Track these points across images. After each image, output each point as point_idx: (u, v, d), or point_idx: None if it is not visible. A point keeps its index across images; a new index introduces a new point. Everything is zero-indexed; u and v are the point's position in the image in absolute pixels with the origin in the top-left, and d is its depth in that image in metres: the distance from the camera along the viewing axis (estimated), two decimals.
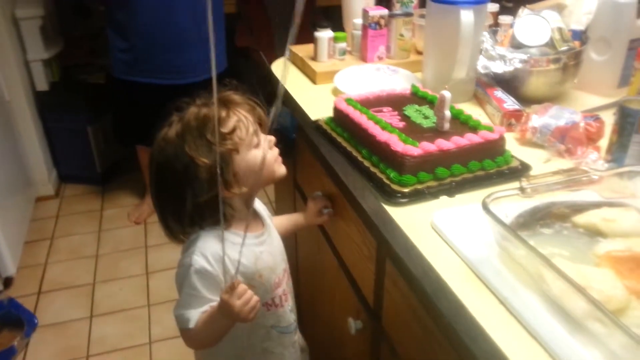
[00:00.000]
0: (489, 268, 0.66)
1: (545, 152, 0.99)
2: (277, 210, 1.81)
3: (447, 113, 0.92)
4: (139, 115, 2.27)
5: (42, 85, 2.54)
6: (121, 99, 2.25)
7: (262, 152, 0.91)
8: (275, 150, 0.97)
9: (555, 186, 0.73)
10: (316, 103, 1.25)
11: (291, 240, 1.53)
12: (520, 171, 0.91)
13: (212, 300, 0.88)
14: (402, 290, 0.80)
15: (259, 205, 1.05)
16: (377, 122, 0.95)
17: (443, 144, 0.87)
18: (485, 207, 0.66)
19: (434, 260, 0.71)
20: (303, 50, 1.51)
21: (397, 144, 0.87)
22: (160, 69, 2.12)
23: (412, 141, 0.87)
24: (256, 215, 1.02)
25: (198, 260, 0.88)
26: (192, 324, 0.87)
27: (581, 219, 0.71)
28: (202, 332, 0.88)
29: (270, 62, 1.63)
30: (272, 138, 0.95)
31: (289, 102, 1.34)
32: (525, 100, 1.13)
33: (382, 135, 0.91)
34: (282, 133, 1.47)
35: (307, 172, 1.30)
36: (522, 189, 0.71)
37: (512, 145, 1.01)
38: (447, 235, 0.74)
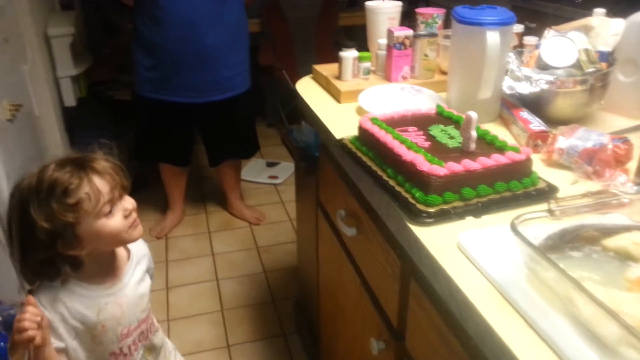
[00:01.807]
0: (517, 290, 0.65)
1: (573, 174, 0.98)
2: (298, 229, 1.82)
3: (474, 133, 0.92)
4: (160, 133, 2.32)
5: (70, 101, 2.60)
6: (144, 116, 2.30)
7: (113, 222, 0.94)
8: (130, 219, 0.97)
9: (584, 209, 0.72)
10: (340, 122, 1.26)
11: (312, 257, 1.53)
12: (547, 193, 0.90)
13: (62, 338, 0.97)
14: (428, 310, 0.79)
15: (134, 253, 1.09)
16: (402, 141, 0.96)
17: (469, 164, 0.87)
18: (514, 228, 0.66)
19: (460, 281, 0.70)
20: (327, 69, 1.53)
21: (423, 163, 0.87)
22: (184, 87, 2.16)
23: (438, 161, 0.87)
24: (112, 267, 1.04)
25: (54, 303, 0.96)
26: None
27: (611, 242, 0.70)
28: None
29: (293, 80, 1.66)
30: (129, 205, 0.97)
31: (313, 120, 1.35)
32: (551, 122, 1.13)
33: (407, 154, 0.91)
34: (306, 151, 1.49)
35: (330, 191, 1.31)
36: (550, 211, 0.70)
37: (539, 167, 1.01)
38: (473, 256, 0.73)
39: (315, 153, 1.40)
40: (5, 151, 1.90)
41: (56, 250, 0.91)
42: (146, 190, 2.80)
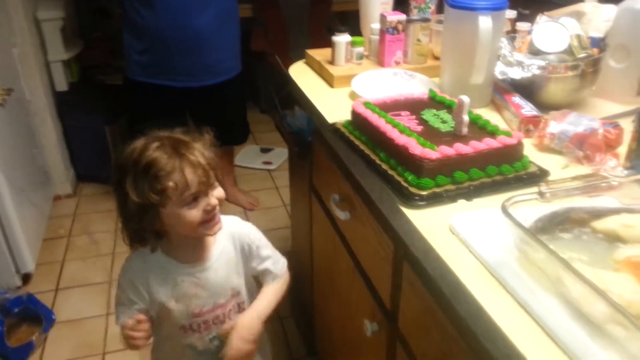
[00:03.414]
0: (508, 271, 0.67)
1: (563, 158, 0.99)
2: (292, 214, 1.82)
3: (466, 117, 0.93)
4: (152, 117, 2.30)
5: (62, 85, 2.59)
6: (136, 100, 2.28)
7: (192, 213, 0.96)
8: (210, 214, 0.99)
9: (574, 191, 0.73)
10: (333, 106, 1.26)
11: (306, 241, 1.54)
12: (538, 176, 0.92)
13: (134, 302, 1.04)
14: (420, 292, 0.80)
15: (231, 243, 1.10)
16: (395, 125, 0.96)
17: (461, 148, 0.88)
18: (504, 210, 0.67)
19: (452, 263, 0.71)
20: (320, 54, 1.52)
21: (416, 147, 0.88)
22: (175, 72, 2.14)
23: (431, 145, 0.88)
24: (197, 248, 1.07)
25: (126, 270, 1.06)
26: (118, 322, 1.05)
27: (600, 224, 0.71)
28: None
29: (285, 65, 1.65)
30: (213, 202, 0.98)
31: (306, 105, 1.36)
32: (543, 107, 1.13)
33: (400, 138, 0.92)
34: (299, 135, 1.49)
35: (323, 175, 1.31)
36: (541, 194, 0.71)
37: (530, 151, 1.02)
38: (465, 238, 0.74)
39: (309, 138, 1.40)
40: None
41: (143, 222, 0.97)
42: None
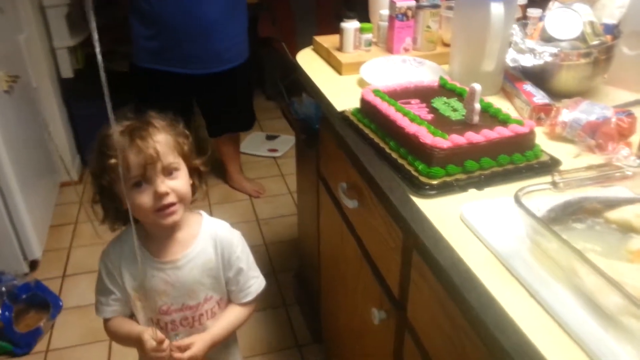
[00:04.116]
0: (520, 261, 0.66)
1: (575, 147, 0.98)
2: (299, 202, 1.82)
3: (477, 106, 0.92)
4: (161, 104, 2.29)
5: (67, 72, 2.58)
6: (142, 87, 2.27)
7: (142, 198, 0.94)
8: (159, 203, 0.95)
9: (587, 181, 0.72)
10: (342, 94, 1.25)
11: (313, 229, 1.54)
12: (550, 166, 0.90)
13: (111, 291, 1.04)
14: (429, 281, 0.80)
15: (208, 243, 1.05)
16: (405, 113, 0.95)
17: (472, 136, 0.87)
18: (517, 200, 0.66)
19: (463, 253, 0.71)
20: (328, 40, 1.51)
21: (426, 136, 0.87)
22: (183, 58, 2.13)
23: (442, 133, 0.87)
24: (175, 244, 1.03)
25: (104, 254, 1.06)
26: (104, 316, 1.06)
27: (614, 214, 0.70)
28: (112, 333, 1.08)
29: (293, 52, 1.64)
30: (161, 189, 0.94)
31: (314, 92, 1.34)
32: (555, 95, 1.12)
33: (411, 127, 0.90)
34: (307, 123, 1.48)
35: (331, 163, 1.31)
36: (554, 184, 0.70)
37: (542, 140, 1.01)
38: (476, 227, 0.74)
39: (316, 125, 1.39)
40: (4, 122, 1.89)
41: (104, 199, 0.99)
42: None
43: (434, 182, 0.85)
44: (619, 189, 0.75)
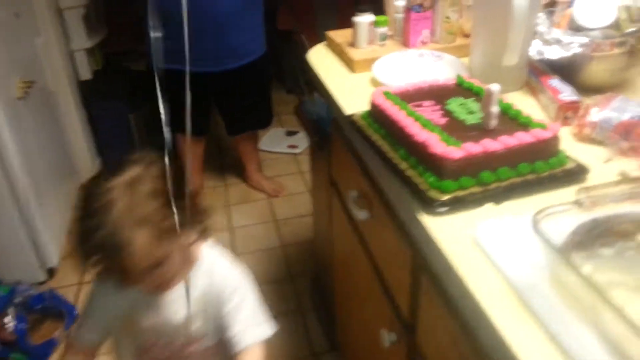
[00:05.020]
0: (538, 296, 0.58)
1: (607, 150, 0.88)
2: (314, 204, 1.75)
3: (495, 109, 0.83)
4: (176, 104, 2.25)
5: (86, 74, 2.57)
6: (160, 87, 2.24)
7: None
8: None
9: (618, 198, 0.63)
10: (353, 94, 1.17)
11: (327, 234, 1.47)
12: (576, 174, 0.81)
13: (93, 315, 0.97)
14: (439, 309, 0.72)
15: (204, 280, 0.94)
16: (416, 118, 0.87)
17: (489, 144, 0.78)
18: (535, 225, 0.57)
19: (474, 282, 0.63)
20: (341, 35, 1.42)
21: (437, 144, 0.78)
22: (198, 56, 2.08)
23: (455, 141, 0.78)
24: None
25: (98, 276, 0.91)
26: (77, 340, 0.99)
27: None
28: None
29: (313, 44, 1.55)
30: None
31: (323, 93, 1.27)
32: (585, 90, 1.02)
33: (420, 134, 0.82)
34: (319, 124, 1.41)
35: (342, 169, 1.23)
36: (578, 203, 0.61)
37: (568, 142, 0.91)
38: (490, 253, 0.65)
39: (328, 128, 1.32)
40: (19, 130, 1.88)
41: None
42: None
43: (445, 197, 0.76)
44: None
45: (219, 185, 2.65)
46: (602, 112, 0.90)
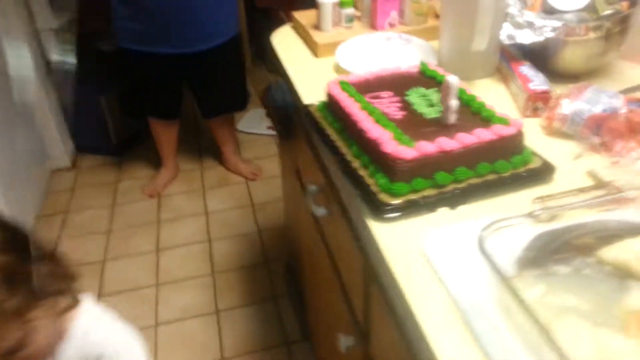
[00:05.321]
0: (484, 321, 0.52)
1: (577, 145, 0.82)
2: (283, 190, 1.68)
3: (454, 103, 0.76)
4: (145, 86, 2.17)
5: (54, 55, 2.46)
6: (128, 69, 2.15)
7: None
8: None
9: (578, 208, 0.57)
10: (315, 81, 1.09)
11: (295, 222, 1.41)
12: (541, 173, 0.75)
13: None
14: (388, 321, 0.67)
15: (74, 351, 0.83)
16: (370, 112, 0.80)
17: (445, 143, 0.71)
18: (481, 244, 0.51)
19: (418, 300, 0.57)
20: (307, 16, 1.34)
21: (389, 143, 0.72)
22: (167, 38, 1.99)
23: (408, 140, 0.72)
24: None
25: None
26: None
27: (610, 253, 0.55)
28: None
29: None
30: None
31: (285, 78, 1.19)
32: (559, 77, 0.95)
33: (373, 130, 0.75)
34: (285, 111, 1.33)
35: (303, 160, 1.17)
36: (533, 216, 0.55)
37: (537, 136, 0.85)
38: (438, 267, 0.60)
39: (293, 115, 1.24)
40: None
41: None
42: (139, 147, 2.70)
43: (396, 201, 0.70)
44: (624, 212, 0.59)
45: (195, 168, 2.58)
46: (573, 103, 0.84)
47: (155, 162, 2.54)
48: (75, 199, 2.39)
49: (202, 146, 2.74)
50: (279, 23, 3.01)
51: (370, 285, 0.73)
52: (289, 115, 1.28)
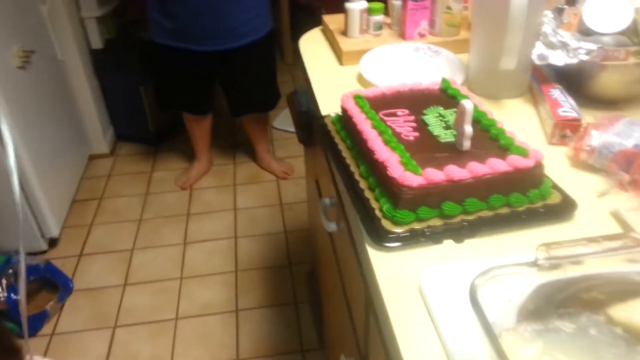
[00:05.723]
0: None
1: (604, 180, 0.76)
2: (308, 192, 1.67)
3: (468, 129, 0.72)
4: (178, 82, 2.19)
5: (97, 43, 2.52)
6: (159, 64, 2.17)
7: None
8: None
9: (586, 259, 0.52)
10: (335, 91, 1.06)
11: (316, 227, 1.39)
12: (560, 210, 0.70)
13: None
14: (382, 354, 0.64)
15: None
16: (382, 132, 0.77)
17: (454, 172, 0.67)
18: (472, 294, 0.48)
19: (408, 345, 0.54)
20: (336, 21, 1.31)
21: (396, 167, 0.69)
22: (198, 35, 1.99)
23: (415, 166, 0.68)
24: None
25: None
26: None
27: (622, 312, 0.50)
28: None
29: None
30: None
31: (307, 84, 1.17)
32: (594, 103, 0.89)
33: (382, 152, 0.72)
34: (307, 116, 1.31)
35: (320, 170, 1.14)
36: (535, 264, 0.51)
37: (562, 166, 0.80)
38: (433, 309, 0.56)
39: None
40: (17, 98, 1.84)
41: None
42: (176, 137, 2.73)
43: (399, 229, 0.67)
44: None
45: (227, 164, 2.60)
46: (603, 135, 0.78)
47: (190, 154, 2.57)
48: (111, 185, 2.45)
49: (236, 142, 2.75)
50: (319, 21, 2.98)
51: (370, 312, 0.70)
52: (311, 122, 1.26)
